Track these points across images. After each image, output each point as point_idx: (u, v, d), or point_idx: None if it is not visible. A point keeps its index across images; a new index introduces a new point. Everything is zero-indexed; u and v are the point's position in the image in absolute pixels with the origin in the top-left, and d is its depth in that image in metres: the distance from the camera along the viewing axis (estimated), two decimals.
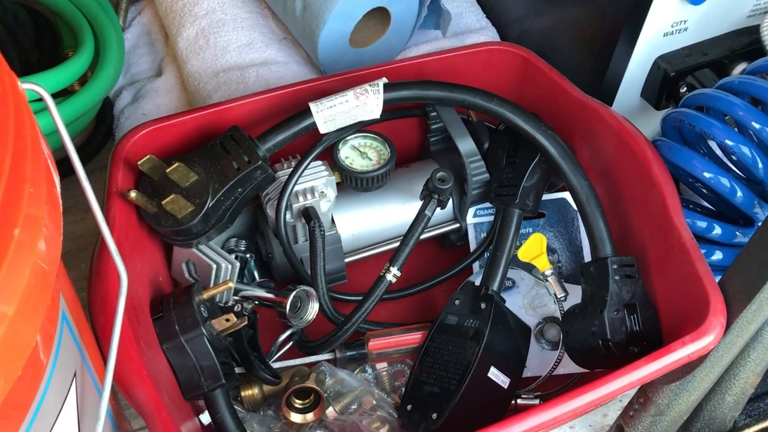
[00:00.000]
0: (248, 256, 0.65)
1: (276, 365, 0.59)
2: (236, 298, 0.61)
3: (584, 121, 0.63)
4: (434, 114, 0.66)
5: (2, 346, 0.26)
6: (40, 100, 0.41)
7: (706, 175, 0.57)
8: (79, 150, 0.76)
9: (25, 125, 0.30)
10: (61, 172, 0.49)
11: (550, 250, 0.66)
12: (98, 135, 0.75)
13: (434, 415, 0.54)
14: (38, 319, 0.29)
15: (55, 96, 0.64)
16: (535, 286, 0.65)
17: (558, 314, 0.63)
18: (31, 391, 0.31)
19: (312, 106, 0.59)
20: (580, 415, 0.60)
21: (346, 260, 0.65)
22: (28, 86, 0.34)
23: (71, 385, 0.37)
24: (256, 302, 0.61)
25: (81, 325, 0.41)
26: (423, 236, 0.66)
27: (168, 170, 0.54)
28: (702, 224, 0.59)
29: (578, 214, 0.66)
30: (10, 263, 0.27)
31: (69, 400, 0.37)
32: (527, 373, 0.61)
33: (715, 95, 0.57)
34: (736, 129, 0.57)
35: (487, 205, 0.67)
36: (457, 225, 0.67)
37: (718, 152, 0.63)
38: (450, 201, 0.66)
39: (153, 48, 0.81)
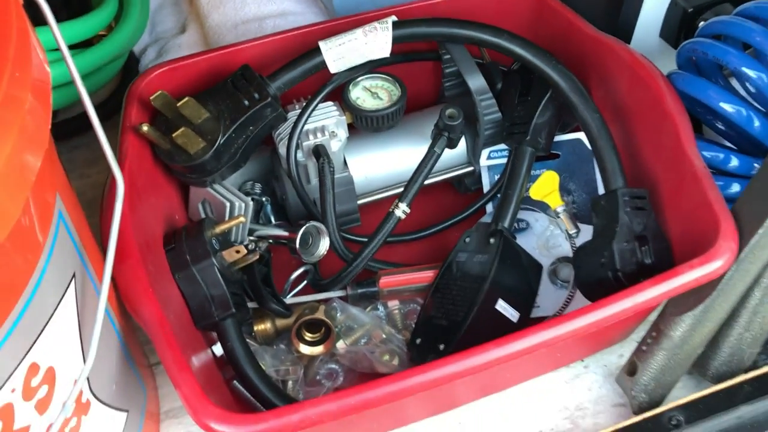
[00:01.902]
0: (264, 199, 0.66)
1: (289, 301, 0.60)
2: (251, 238, 0.62)
3: (598, 58, 0.62)
4: (447, 57, 0.66)
5: None
6: (56, 50, 0.43)
7: (723, 105, 0.56)
8: (104, 104, 0.78)
9: (9, 13, 0.32)
10: (87, 124, 0.51)
11: (566, 191, 0.65)
12: (124, 89, 0.77)
13: (441, 346, 0.54)
14: (21, 193, 0.30)
15: (77, 47, 0.66)
16: (549, 226, 0.65)
17: (571, 253, 0.62)
18: (28, 261, 0.32)
19: (321, 44, 0.59)
20: (592, 343, 0.60)
21: (360, 202, 0.65)
22: None
23: (69, 283, 0.38)
24: (271, 241, 0.62)
25: (84, 237, 0.43)
26: (437, 179, 0.67)
27: (179, 104, 0.55)
28: (719, 155, 0.58)
29: (593, 154, 0.65)
30: None
31: (67, 297, 0.38)
32: (541, 312, 0.61)
33: (731, 21, 0.55)
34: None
35: (501, 147, 0.66)
36: (471, 168, 0.67)
37: (736, 87, 0.62)
38: (463, 143, 0.66)
39: (178, 8, 0.83)
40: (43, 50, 0.36)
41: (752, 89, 0.59)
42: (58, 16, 0.74)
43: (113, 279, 0.45)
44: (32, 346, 0.35)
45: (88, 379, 0.41)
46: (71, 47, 0.66)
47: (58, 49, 0.41)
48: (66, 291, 0.38)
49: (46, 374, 0.37)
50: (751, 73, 0.54)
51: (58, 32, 0.41)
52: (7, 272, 0.32)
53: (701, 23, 0.63)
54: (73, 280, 0.39)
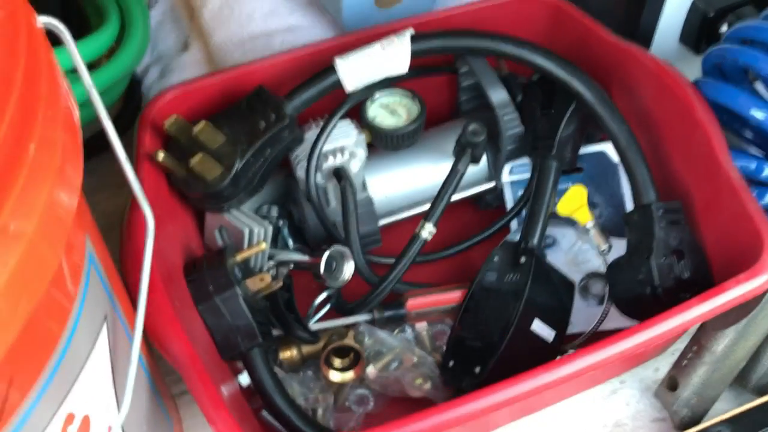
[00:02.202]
0: (281, 222, 0.64)
1: (314, 327, 0.58)
2: (271, 263, 0.60)
3: (620, 66, 0.61)
4: (464, 71, 0.64)
5: (22, 266, 0.26)
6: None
7: (754, 112, 0.54)
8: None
9: (38, 50, 0.30)
10: (94, 148, 0.49)
11: (591, 205, 0.63)
12: (127, 113, 0.75)
13: (477, 369, 0.53)
14: (60, 241, 0.28)
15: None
16: (577, 241, 0.63)
17: (602, 268, 0.60)
18: (60, 322, 0.30)
19: (337, 60, 0.57)
20: (632, 361, 0.58)
21: (380, 223, 0.63)
22: (45, 20, 0.33)
23: (102, 328, 0.36)
24: (291, 266, 0.60)
25: (111, 276, 0.41)
26: (458, 197, 0.65)
27: (195, 130, 0.53)
28: (751, 165, 0.56)
29: (618, 166, 0.64)
30: (27, 180, 0.26)
31: (100, 342, 0.36)
32: (574, 329, 0.59)
33: (761, 25, 0.54)
34: None
35: (524, 161, 0.65)
36: (493, 184, 0.65)
37: (763, 93, 0.60)
38: (484, 159, 0.64)
39: (178, 24, 0.81)
40: (69, 83, 0.34)
41: None
42: (55, 39, 0.72)
43: None
44: (67, 395, 0.33)
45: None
46: (70, 72, 0.64)
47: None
48: (99, 335, 0.36)
49: (81, 424, 0.35)
50: None
51: (77, 54, 0.38)
52: (44, 324, 0.30)
53: (723, 27, 0.62)
54: (105, 323, 0.37)
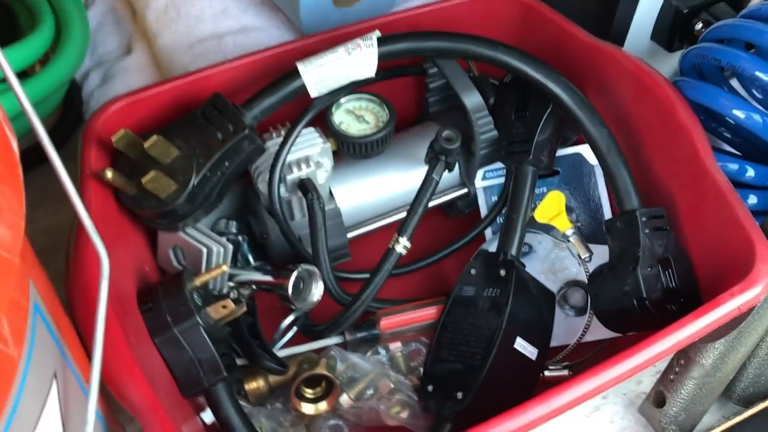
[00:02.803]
0: (240, 238, 0.59)
1: (281, 353, 0.54)
2: (231, 284, 0.55)
3: (596, 66, 0.58)
4: (433, 71, 0.61)
5: None
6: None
7: (736, 112, 0.53)
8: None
9: None
10: (30, 162, 0.44)
11: (567, 209, 0.61)
12: (66, 122, 0.69)
13: (459, 394, 0.49)
14: (2, 296, 0.23)
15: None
16: (554, 249, 0.60)
17: (582, 277, 0.58)
18: (2, 392, 0.26)
19: (300, 66, 0.53)
20: (624, 380, 0.56)
21: (349, 236, 0.60)
22: None
23: (51, 386, 0.31)
24: (254, 287, 0.55)
25: (60, 321, 0.36)
26: (430, 203, 0.61)
27: (146, 145, 0.49)
28: (733, 167, 0.55)
29: (595, 169, 0.62)
30: None
31: (50, 403, 0.31)
32: (553, 342, 0.56)
33: (741, 24, 0.52)
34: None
35: (497, 165, 0.62)
36: (465, 190, 0.62)
37: (742, 93, 0.59)
38: (457, 164, 0.61)
39: (120, 26, 0.75)
40: (3, 110, 0.29)
41: (759, 95, 0.56)
42: None
43: None
44: None
45: None
46: None
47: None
48: (48, 395, 0.31)
49: None
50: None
51: (4, 60, 0.33)
52: None
53: (698, 25, 0.60)
54: (54, 380, 0.32)
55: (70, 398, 0.34)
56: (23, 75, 0.61)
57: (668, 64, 0.66)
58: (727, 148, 0.60)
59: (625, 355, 0.42)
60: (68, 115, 0.70)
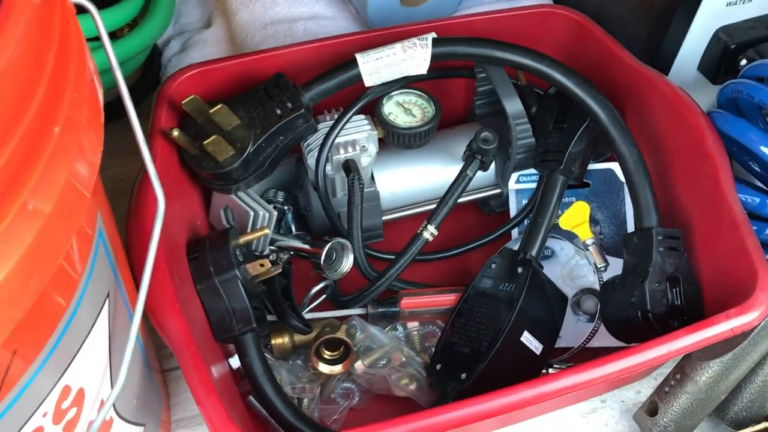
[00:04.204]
0: (286, 207, 0.64)
1: (308, 316, 0.59)
2: (272, 247, 0.61)
3: (637, 89, 0.61)
4: (482, 75, 0.65)
5: (37, 244, 0.26)
6: (94, 39, 0.41)
7: (764, 149, 0.55)
8: None
9: (70, 32, 0.30)
10: (107, 115, 0.50)
11: (593, 221, 0.64)
12: (145, 82, 0.76)
13: (463, 375, 0.53)
14: (74, 222, 0.29)
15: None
16: (575, 256, 0.64)
17: (597, 286, 0.61)
18: (66, 297, 0.31)
19: (358, 57, 0.58)
20: (615, 382, 0.59)
21: (384, 218, 0.64)
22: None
23: (104, 304, 0.37)
24: (291, 252, 0.60)
25: (118, 253, 0.41)
26: (463, 199, 0.65)
27: (211, 111, 0.54)
28: (755, 200, 0.57)
29: (624, 186, 0.65)
30: (49, 161, 0.27)
31: (101, 318, 0.37)
32: (561, 343, 0.60)
33: None
34: None
35: (531, 171, 0.65)
36: (499, 190, 0.66)
37: None
38: (492, 165, 0.65)
39: (204, 0, 0.81)
40: (95, 63, 0.34)
41: None
42: (78, 7, 0.73)
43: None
44: (66, 369, 0.34)
45: None
46: (91, 40, 0.64)
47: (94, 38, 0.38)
48: (101, 311, 0.37)
49: (76, 396, 0.36)
50: None
51: (100, 21, 0.38)
52: (50, 298, 0.31)
53: (743, 61, 0.62)
54: (107, 300, 0.38)
55: (118, 319, 0.40)
56: (112, 36, 0.67)
57: (713, 94, 0.69)
58: (757, 182, 0.63)
59: (612, 358, 0.46)
60: (147, 76, 0.76)
